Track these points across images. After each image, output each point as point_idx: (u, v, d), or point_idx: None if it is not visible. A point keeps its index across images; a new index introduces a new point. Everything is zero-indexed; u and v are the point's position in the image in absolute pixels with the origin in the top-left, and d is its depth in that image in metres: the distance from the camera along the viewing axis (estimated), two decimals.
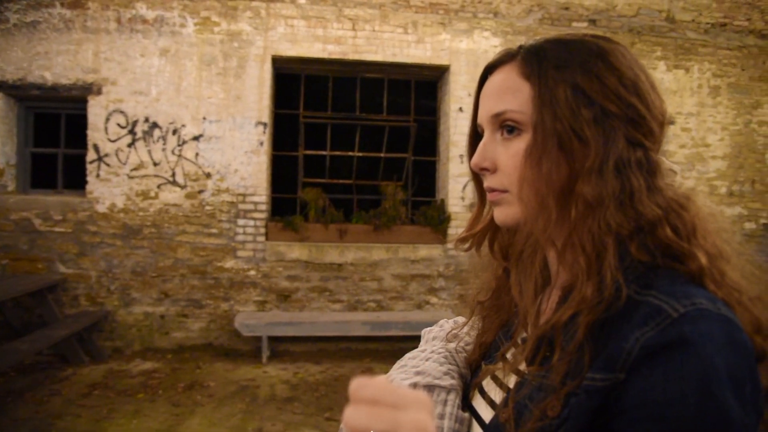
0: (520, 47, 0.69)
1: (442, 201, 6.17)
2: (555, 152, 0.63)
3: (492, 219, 0.75)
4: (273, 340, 5.30)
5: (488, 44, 6.03)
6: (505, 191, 0.68)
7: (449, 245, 5.93)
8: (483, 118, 0.70)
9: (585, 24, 6.30)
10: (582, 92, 0.63)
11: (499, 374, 0.70)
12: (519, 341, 0.71)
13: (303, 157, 6.01)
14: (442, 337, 0.86)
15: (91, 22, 5.35)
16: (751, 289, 0.60)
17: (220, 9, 5.51)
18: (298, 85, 5.99)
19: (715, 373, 0.49)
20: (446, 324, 0.92)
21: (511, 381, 0.66)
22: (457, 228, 5.96)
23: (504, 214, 0.69)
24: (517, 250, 0.70)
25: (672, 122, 6.44)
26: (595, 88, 0.63)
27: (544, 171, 0.63)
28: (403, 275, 5.82)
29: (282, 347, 5.43)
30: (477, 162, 0.70)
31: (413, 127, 6.24)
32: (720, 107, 6.67)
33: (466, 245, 0.81)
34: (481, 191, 0.77)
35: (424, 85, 6.49)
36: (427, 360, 0.77)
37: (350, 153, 6.10)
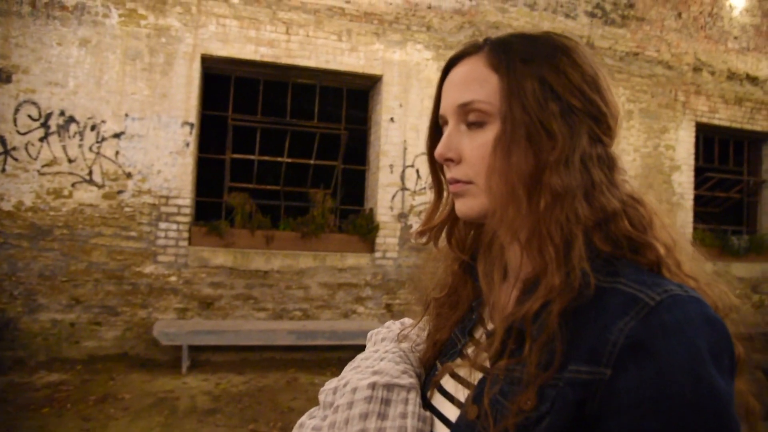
0: (486, 39, 0.71)
1: (371, 210, 6.30)
2: (524, 143, 0.63)
3: (451, 212, 0.76)
4: (194, 349, 5.19)
5: (421, 56, 6.25)
6: (469, 182, 0.68)
7: (377, 254, 6.07)
8: (447, 108, 0.70)
9: None
10: (549, 86, 0.64)
11: (461, 371, 0.69)
12: (482, 336, 0.71)
13: (230, 161, 5.96)
14: (392, 338, 0.85)
15: (1, 3, 5.06)
16: (703, 276, 0.64)
17: (147, 2, 5.37)
18: (227, 87, 5.93)
19: (699, 355, 0.50)
20: (393, 325, 0.91)
21: (476, 377, 0.66)
22: (385, 237, 6.11)
23: (467, 205, 0.69)
24: (485, 242, 0.71)
25: None
26: (561, 83, 0.64)
27: (513, 161, 0.63)
28: (331, 284, 5.89)
29: (203, 357, 5.33)
30: (442, 152, 0.69)
31: (344, 135, 6.34)
32: (632, 130, 7.27)
33: (424, 239, 0.81)
34: (438, 184, 0.79)
35: (356, 94, 6.62)
36: (381, 360, 0.76)
37: (279, 159, 6.10)
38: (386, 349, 0.80)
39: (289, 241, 5.84)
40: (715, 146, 8.32)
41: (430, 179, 0.82)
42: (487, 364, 0.64)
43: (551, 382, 0.55)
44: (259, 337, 5.26)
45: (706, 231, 7.91)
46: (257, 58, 5.65)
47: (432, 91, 5.51)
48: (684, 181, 7.62)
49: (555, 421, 0.54)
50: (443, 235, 0.80)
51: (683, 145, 7.63)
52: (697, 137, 7.81)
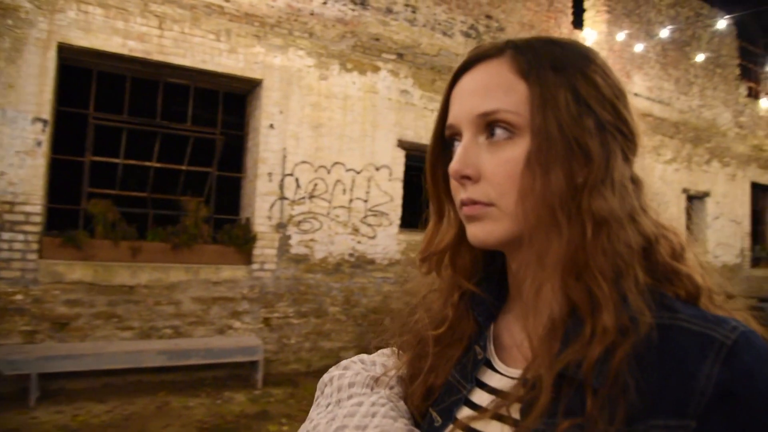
0: (508, 42, 0.63)
1: (248, 220, 6.07)
2: (560, 161, 0.57)
3: (456, 236, 0.69)
4: (45, 377, 4.60)
5: (302, 63, 6.17)
6: (490, 204, 0.60)
7: (255, 266, 5.86)
8: (462, 118, 0.62)
9: (393, 56, 6.83)
10: (582, 98, 0.58)
11: (477, 425, 0.61)
12: (500, 382, 0.63)
13: (90, 164, 5.40)
14: (364, 383, 0.72)
15: None
16: (728, 303, 0.60)
17: None
18: (89, 82, 5.39)
19: None
20: (354, 365, 0.77)
21: None
22: (263, 248, 5.92)
23: (486, 231, 0.61)
24: (519, 279, 0.64)
25: None
26: (593, 95, 0.59)
27: (552, 182, 0.56)
28: (205, 298, 5.57)
29: (56, 386, 4.75)
30: (458, 168, 0.60)
31: (219, 140, 6.06)
32: None
33: (425, 268, 0.73)
34: (439, 204, 0.72)
35: (233, 98, 6.36)
36: (373, 416, 0.64)
37: (147, 163, 5.66)
38: (373, 401, 0.67)
39: (159, 252, 5.44)
40: None
41: (430, 203, 0.73)
42: (516, 416, 0.57)
43: None
44: (124, 360, 4.81)
45: None
46: (125, 52, 5.20)
47: (314, 99, 5.47)
48: None
49: None
50: (446, 261, 0.72)
51: None
52: None
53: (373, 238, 6.69)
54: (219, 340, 5.48)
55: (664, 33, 8.91)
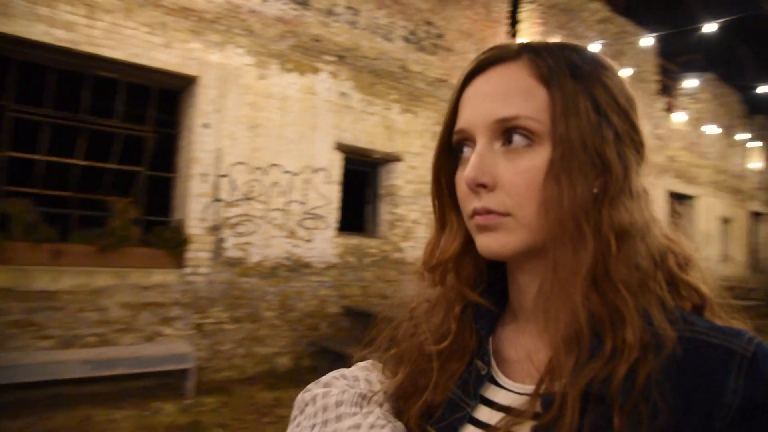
0: (523, 45, 0.61)
1: (180, 222, 5.85)
2: (583, 171, 0.55)
3: (461, 246, 0.66)
4: None
5: (241, 61, 6.00)
6: (506, 214, 0.57)
7: (187, 270, 5.65)
8: (477, 123, 0.60)
9: (334, 58, 6.77)
10: (601, 107, 0.57)
11: None
12: (509, 399, 0.60)
13: (8, 160, 5.02)
14: (352, 401, 0.67)
15: None
16: (728, 313, 0.60)
17: None
18: (6, 70, 5.00)
19: None
20: (336, 382, 0.73)
21: None
22: (196, 251, 5.72)
23: (501, 242, 0.58)
24: (526, 291, 0.63)
25: (401, 159, 7.35)
26: (610, 104, 0.58)
27: (578, 192, 0.55)
28: (133, 304, 5.31)
29: None
30: (475, 176, 0.58)
31: (150, 138, 5.80)
32: None
33: (430, 279, 0.70)
34: (443, 213, 0.69)
35: (166, 94, 6.10)
36: None
37: (72, 160, 5.34)
38: (370, 423, 0.62)
39: (83, 256, 5.13)
40: None
41: (434, 212, 0.71)
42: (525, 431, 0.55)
43: None
44: (42, 371, 4.50)
45: None
46: (50, 41, 4.85)
47: (252, 98, 5.35)
48: None
49: None
50: (449, 272, 0.68)
51: None
52: None
53: (309, 241, 6.61)
54: (148, 347, 5.24)
55: (593, 47, 9.29)
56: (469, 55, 8.30)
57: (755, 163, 18.50)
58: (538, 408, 0.54)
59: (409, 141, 7.52)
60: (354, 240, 7.10)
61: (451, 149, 0.66)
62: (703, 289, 0.58)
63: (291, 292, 6.41)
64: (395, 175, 7.43)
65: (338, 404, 0.66)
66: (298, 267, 6.48)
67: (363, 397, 0.68)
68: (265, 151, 6.22)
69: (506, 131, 0.58)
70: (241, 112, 6.00)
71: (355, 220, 7.58)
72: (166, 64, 5.51)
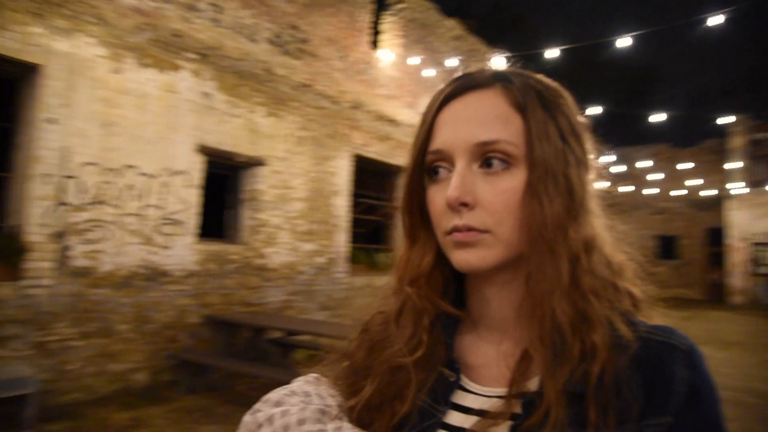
0: (494, 74, 0.66)
1: (16, 228, 5.20)
2: (553, 191, 0.60)
3: (433, 260, 0.69)
4: None
5: (93, 52, 5.50)
6: (486, 231, 0.61)
7: (26, 282, 5.03)
8: (457, 145, 0.63)
9: (196, 56, 6.47)
10: (563, 135, 0.63)
11: None
12: (487, 403, 0.63)
13: None
14: (313, 418, 0.64)
15: None
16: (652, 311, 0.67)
17: None
18: None
19: (714, 382, 0.59)
20: (289, 399, 0.69)
21: None
22: (37, 262, 5.12)
23: (479, 257, 0.62)
24: (492, 301, 0.67)
25: (265, 164, 7.22)
26: (569, 130, 0.64)
27: (554, 210, 0.60)
28: None
29: None
30: (458, 196, 0.61)
31: None
32: (303, 156, 7.85)
33: (409, 291, 0.71)
34: (413, 229, 0.72)
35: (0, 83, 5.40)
36: None
37: None
38: None
39: None
40: (366, 175, 9.68)
41: (404, 228, 0.74)
42: None
43: None
44: None
45: (358, 249, 9.09)
46: None
47: (105, 93, 4.99)
48: (343, 204, 8.60)
49: None
50: (424, 285, 0.70)
51: (343, 172, 8.62)
52: (354, 166, 8.92)
53: (167, 248, 6.23)
54: None
55: (448, 62, 9.88)
56: (333, 61, 8.40)
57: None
58: (514, 408, 0.59)
59: (274, 145, 7.41)
60: (215, 246, 6.83)
61: (422, 168, 0.68)
62: (636, 292, 0.65)
63: (147, 303, 5.99)
64: (259, 179, 7.27)
65: (300, 422, 0.64)
66: (155, 276, 6.08)
67: (323, 412, 0.66)
68: (120, 152, 5.75)
69: (485, 154, 0.62)
70: (92, 107, 5.49)
71: (215, 225, 7.29)
72: (4, 49, 4.87)
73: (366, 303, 0.80)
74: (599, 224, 0.66)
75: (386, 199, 10.36)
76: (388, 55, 9.54)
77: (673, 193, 21.44)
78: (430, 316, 0.69)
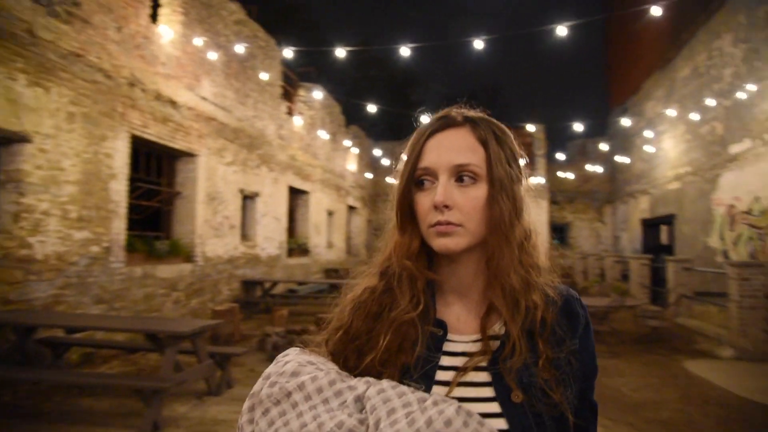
0: (466, 118, 0.94)
1: None
2: (504, 200, 0.89)
3: (420, 244, 0.94)
4: None
5: None
6: (460, 225, 0.87)
7: None
8: (440, 165, 0.89)
9: None
10: (509, 161, 0.92)
11: (467, 378, 0.85)
12: (470, 346, 0.88)
13: None
14: (340, 379, 0.79)
15: None
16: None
17: None
18: None
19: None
20: (304, 369, 0.81)
21: (480, 378, 0.84)
22: None
23: (455, 242, 0.87)
24: (460, 274, 0.94)
25: (29, 140, 6.32)
26: (511, 156, 0.93)
27: (502, 213, 0.88)
28: None
29: None
30: (443, 200, 0.86)
31: None
32: (75, 134, 7.03)
33: (404, 267, 0.94)
34: (404, 222, 0.95)
35: None
36: (427, 402, 0.73)
37: None
38: (390, 386, 0.77)
39: None
40: (144, 158, 9.03)
41: (397, 221, 0.97)
42: (484, 364, 0.86)
43: (562, 355, 0.88)
44: None
45: (135, 237, 8.45)
46: None
47: None
48: (120, 189, 7.90)
49: (575, 372, 0.89)
50: (414, 261, 0.95)
51: (120, 154, 7.91)
52: (132, 148, 8.25)
53: None
54: None
55: (234, 47, 9.72)
56: (109, 32, 7.66)
57: (352, 165, 22.11)
58: (488, 347, 0.87)
59: (40, 120, 6.48)
60: None
61: (413, 179, 0.93)
62: (542, 261, 0.97)
63: None
64: (21, 158, 6.30)
65: (331, 383, 0.78)
66: None
67: (340, 374, 0.82)
68: None
69: (459, 172, 0.89)
70: None
71: None
72: None
73: (351, 284, 1.03)
74: (529, 222, 0.97)
75: (166, 184, 9.80)
76: (168, 31, 8.98)
77: None
78: (423, 282, 0.93)
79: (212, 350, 5.72)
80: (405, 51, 8.65)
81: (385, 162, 22.37)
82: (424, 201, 0.91)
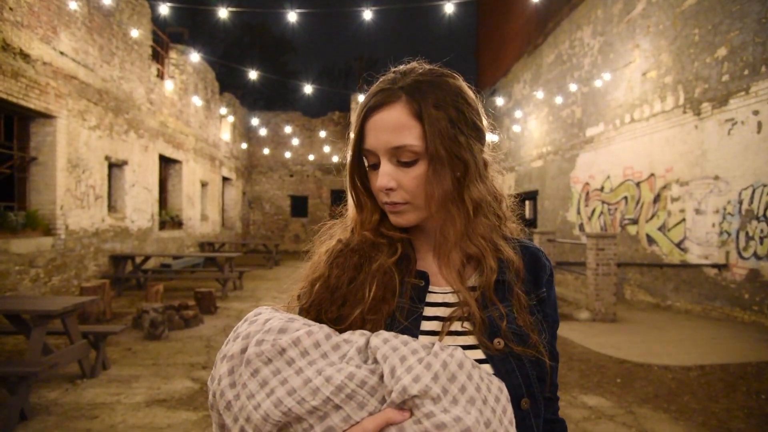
0: (401, 88, 0.87)
1: None
2: (447, 172, 0.86)
3: (380, 215, 0.96)
4: None
5: None
6: (406, 203, 0.89)
7: None
8: (379, 148, 0.87)
9: None
10: (455, 124, 0.87)
11: (453, 327, 0.88)
12: (449, 297, 0.91)
13: None
14: (331, 333, 0.78)
15: None
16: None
17: None
18: None
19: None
20: (292, 324, 0.78)
21: (466, 326, 0.87)
22: None
23: (405, 219, 0.90)
24: (437, 242, 0.95)
25: None
26: (462, 120, 0.88)
27: (445, 187, 0.86)
28: None
29: None
30: (384, 184, 0.87)
31: None
32: None
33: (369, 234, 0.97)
34: (359, 199, 0.97)
35: None
36: (434, 348, 0.76)
37: None
38: (391, 336, 0.77)
39: None
40: None
41: (353, 199, 0.99)
42: (465, 314, 0.89)
43: (534, 303, 0.94)
44: None
45: None
46: None
47: None
48: None
49: (544, 318, 0.94)
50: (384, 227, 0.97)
51: None
52: None
53: None
54: None
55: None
56: None
57: (226, 135, 21.13)
58: (469, 297, 0.88)
59: None
60: None
61: (360, 158, 0.94)
62: (507, 215, 1.01)
63: None
64: None
65: (327, 337, 0.77)
66: None
67: (329, 328, 0.81)
68: None
69: (397, 153, 0.87)
70: None
71: None
72: None
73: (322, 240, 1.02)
74: (489, 179, 0.95)
75: (18, 148, 8.67)
76: None
77: (310, 157, 23.81)
78: (400, 242, 0.94)
79: (85, 330, 5.19)
80: (292, 16, 8.31)
81: (262, 132, 21.68)
82: (374, 180, 0.91)
